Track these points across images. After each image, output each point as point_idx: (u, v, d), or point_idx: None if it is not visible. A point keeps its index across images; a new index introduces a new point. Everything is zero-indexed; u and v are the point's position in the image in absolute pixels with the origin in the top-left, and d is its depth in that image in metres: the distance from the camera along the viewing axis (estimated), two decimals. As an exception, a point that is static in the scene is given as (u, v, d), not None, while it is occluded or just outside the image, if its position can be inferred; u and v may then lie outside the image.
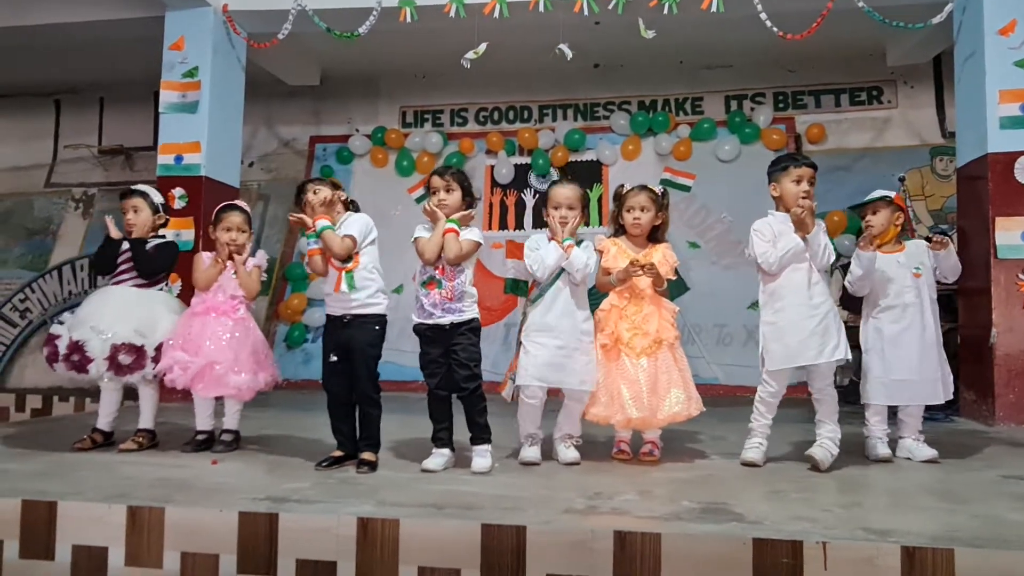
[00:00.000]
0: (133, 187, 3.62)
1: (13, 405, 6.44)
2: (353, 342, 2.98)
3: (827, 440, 3.05)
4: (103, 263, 3.50)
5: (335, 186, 3.13)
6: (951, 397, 3.23)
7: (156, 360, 3.27)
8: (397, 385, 5.57)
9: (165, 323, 3.35)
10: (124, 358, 3.21)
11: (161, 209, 3.59)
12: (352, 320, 3.00)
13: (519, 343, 3.20)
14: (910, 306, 3.21)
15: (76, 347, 3.20)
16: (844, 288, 5.56)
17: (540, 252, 3.14)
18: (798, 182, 3.09)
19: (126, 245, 3.48)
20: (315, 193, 3.02)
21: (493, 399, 3.07)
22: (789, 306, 3.06)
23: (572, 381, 3.10)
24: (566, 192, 3.17)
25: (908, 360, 3.16)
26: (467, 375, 2.96)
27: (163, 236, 3.59)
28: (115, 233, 3.47)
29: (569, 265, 3.09)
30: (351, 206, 3.15)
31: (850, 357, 3.10)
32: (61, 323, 3.33)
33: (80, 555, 2.23)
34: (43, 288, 7.49)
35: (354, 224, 3.02)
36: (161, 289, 3.54)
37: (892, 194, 3.29)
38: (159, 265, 3.49)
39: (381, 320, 3.04)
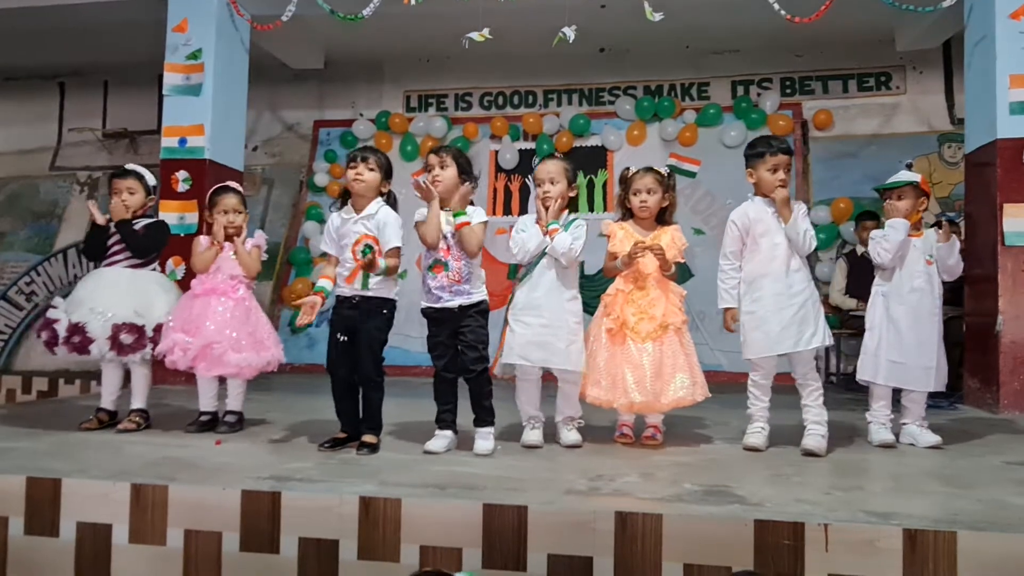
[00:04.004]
0: (128, 167, 3.57)
1: (20, 387, 6.49)
2: (360, 325, 2.97)
3: (815, 425, 3.06)
4: (93, 250, 3.48)
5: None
6: (943, 388, 3.21)
7: (154, 340, 3.27)
8: (402, 370, 5.59)
9: (161, 303, 3.36)
10: (126, 337, 3.23)
11: (152, 191, 3.56)
12: (361, 301, 2.98)
13: (506, 321, 3.19)
14: (918, 291, 3.19)
15: (76, 329, 3.21)
16: (848, 276, 5.58)
17: (523, 235, 3.12)
18: (774, 171, 3.06)
19: (114, 227, 3.44)
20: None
21: (498, 383, 3.07)
22: (767, 295, 3.06)
23: (557, 360, 3.07)
24: (546, 167, 3.15)
25: (907, 343, 3.14)
26: (475, 357, 2.95)
27: (151, 216, 3.56)
28: (100, 219, 3.43)
29: (552, 250, 3.06)
30: (389, 197, 3.07)
31: (831, 343, 3.08)
32: (55, 307, 3.33)
33: (84, 532, 2.25)
34: (49, 271, 7.51)
35: (393, 238, 2.97)
36: (154, 269, 3.52)
37: (918, 178, 3.26)
38: (152, 243, 3.47)
39: (390, 305, 3.03)
